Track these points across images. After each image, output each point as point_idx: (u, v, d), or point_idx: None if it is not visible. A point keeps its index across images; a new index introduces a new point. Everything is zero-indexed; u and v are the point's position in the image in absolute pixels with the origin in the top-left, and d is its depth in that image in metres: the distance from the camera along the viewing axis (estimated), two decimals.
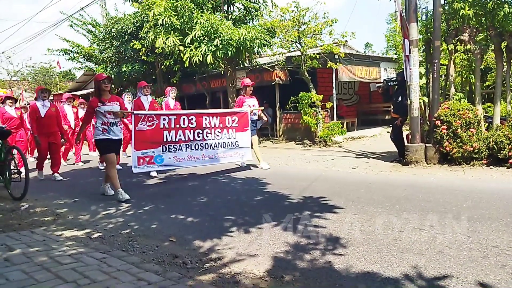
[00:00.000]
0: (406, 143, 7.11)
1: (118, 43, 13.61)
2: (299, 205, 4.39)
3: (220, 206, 4.58)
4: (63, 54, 14.90)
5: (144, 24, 11.51)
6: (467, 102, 7.44)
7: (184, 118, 6.26)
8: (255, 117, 7.42)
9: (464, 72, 9.10)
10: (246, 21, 11.70)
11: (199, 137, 6.43)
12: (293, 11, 11.22)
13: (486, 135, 6.35)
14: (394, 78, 8.53)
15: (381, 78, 13.49)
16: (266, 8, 11.90)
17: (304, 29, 11.32)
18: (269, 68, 12.32)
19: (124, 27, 13.31)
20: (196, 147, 6.41)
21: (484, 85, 12.00)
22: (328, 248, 2.96)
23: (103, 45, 14.20)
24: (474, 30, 7.44)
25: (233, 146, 6.82)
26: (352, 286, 2.36)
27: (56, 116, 7.20)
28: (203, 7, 11.06)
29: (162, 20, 9.85)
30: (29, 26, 65.24)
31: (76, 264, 2.72)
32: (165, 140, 6.05)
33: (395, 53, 17.51)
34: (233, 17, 11.60)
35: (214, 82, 14.27)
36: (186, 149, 6.29)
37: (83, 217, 4.30)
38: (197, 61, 9.98)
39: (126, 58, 13.97)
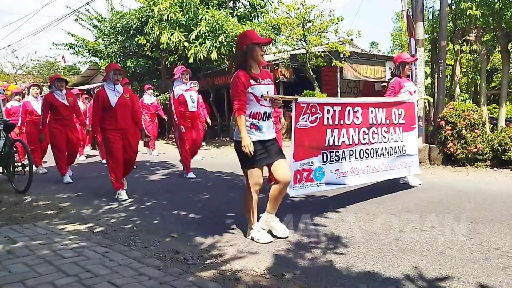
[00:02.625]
0: None
1: (123, 38, 13.62)
2: (300, 204, 4.39)
3: (222, 203, 4.58)
4: (68, 49, 14.91)
5: (149, 20, 11.50)
6: (472, 103, 7.42)
7: (349, 110, 4.17)
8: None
9: (470, 72, 9.05)
10: (251, 18, 11.66)
11: (364, 139, 4.35)
12: (298, 8, 11.19)
13: (490, 137, 6.31)
14: None
15: (386, 78, 13.43)
16: (271, 5, 11.86)
17: (310, 27, 11.29)
18: (273, 66, 12.29)
19: (129, 22, 13.31)
20: (361, 155, 4.33)
21: (490, 86, 11.94)
22: (329, 247, 2.96)
23: (108, 40, 14.21)
24: (481, 30, 7.40)
25: (401, 153, 4.74)
26: (353, 286, 2.36)
27: (74, 105, 6.42)
28: (209, 3, 11.03)
29: (168, 15, 9.84)
30: (35, 20, 65.58)
31: (78, 258, 2.74)
32: (326, 143, 3.96)
33: (401, 52, 17.42)
34: (239, 14, 11.57)
35: (219, 79, 14.27)
36: (349, 158, 4.19)
37: (86, 211, 4.32)
38: (202, 58, 9.97)
39: (131, 53, 13.98)
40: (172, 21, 10.01)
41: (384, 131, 4.57)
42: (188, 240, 3.26)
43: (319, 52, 11.12)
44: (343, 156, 4.14)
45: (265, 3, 11.78)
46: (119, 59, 14.25)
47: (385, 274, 2.48)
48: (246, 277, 2.48)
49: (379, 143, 4.51)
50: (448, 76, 9.21)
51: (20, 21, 71.44)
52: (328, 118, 3.96)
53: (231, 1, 11.92)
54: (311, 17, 11.31)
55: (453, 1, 7.60)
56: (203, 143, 11.73)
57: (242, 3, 12.21)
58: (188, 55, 10.12)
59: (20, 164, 5.68)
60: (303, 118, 3.74)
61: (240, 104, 3.05)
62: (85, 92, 13.69)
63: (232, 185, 5.62)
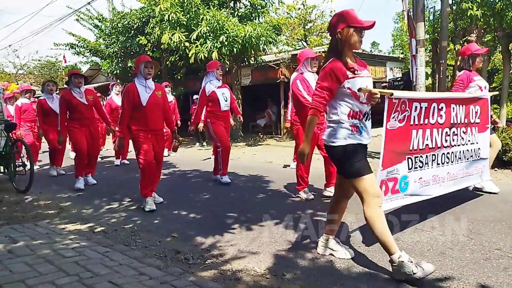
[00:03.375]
0: None
1: (124, 38, 13.63)
2: (301, 204, 4.39)
3: (223, 203, 4.59)
4: (69, 48, 14.94)
5: (150, 20, 11.52)
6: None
7: (434, 107, 3.58)
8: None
9: None
10: (252, 18, 11.67)
11: (446, 141, 3.78)
12: (299, 8, 11.22)
13: None
14: (400, 78, 8.51)
15: (386, 78, 13.44)
16: (272, 5, 11.88)
17: (310, 27, 11.32)
18: (274, 66, 12.30)
19: (130, 22, 13.33)
20: (443, 160, 3.75)
21: (491, 86, 11.91)
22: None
23: (109, 40, 14.23)
24: (482, 30, 7.40)
25: (476, 156, 4.16)
26: (354, 286, 2.36)
27: (94, 104, 5.86)
28: (210, 3, 11.05)
29: (168, 15, 9.86)
30: (36, 20, 65.64)
31: (78, 258, 2.74)
32: (411, 147, 3.37)
33: (402, 53, 17.44)
34: (240, 14, 11.59)
35: None
36: (431, 164, 3.63)
37: (87, 211, 4.32)
38: (203, 58, 9.98)
39: (132, 53, 13.99)
40: (173, 21, 10.02)
41: (463, 131, 3.97)
42: (188, 240, 3.26)
43: (320, 52, 11.11)
44: (426, 161, 3.55)
45: (266, 3, 11.80)
46: (120, 59, 14.27)
47: (386, 274, 2.48)
48: (246, 277, 2.49)
49: (458, 145, 3.91)
50: (449, 77, 9.21)
51: (21, 21, 71.63)
52: (414, 116, 3.35)
53: (232, 1, 11.93)
54: (312, 17, 11.36)
55: (454, 2, 7.60)
56: (204, 143, 11.74)
57: (243, 3, 12.23)
58: (189, 55, 10.13)
59: (21, 163, 5.69)
60: (393, 117, 3.13)
61: (321, 103, 2.52)
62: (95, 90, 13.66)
63: (233, 185, 5.62)
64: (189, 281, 2.38)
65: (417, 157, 3.42)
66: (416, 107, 3.37)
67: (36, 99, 7.56)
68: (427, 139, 3.53)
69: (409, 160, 3.34)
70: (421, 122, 3.45)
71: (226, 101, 5.58)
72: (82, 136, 5.59)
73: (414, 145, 3.39)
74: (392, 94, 2.98)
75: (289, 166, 7.00)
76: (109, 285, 2.31)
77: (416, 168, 3.42)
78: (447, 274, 2.46)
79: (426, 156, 3.53)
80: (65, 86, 6.12)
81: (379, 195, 2.53)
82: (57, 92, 7.13)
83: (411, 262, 2.32)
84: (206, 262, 2.73)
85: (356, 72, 2.52)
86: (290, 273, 2.53)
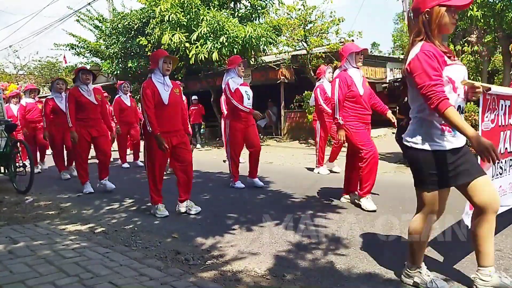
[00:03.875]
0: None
1: (125, 39, 13.63)
2: (301, 205, 4.39)
3: (223, 203, 4.59)
4: (69, 49, 14.94)
5: (151, 20, 11.53)
6: (473, 104, 7.40)
7: None
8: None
9: (471, 73, 9.04)
10: (252, 18, 11.68)
11: None
12: (299, 9, 11.21)
13: None
14: (400, 79, 8.50)
15: (387, 79, 13.44)
16: (272, 6, 11.87)
17: (311, 27, 11.31)
18: (274, 67, 12.31)
19: (130, 23, 13.33)
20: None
21: None
22: (330, 248, 2.96)
23: (109, 41, 14.23)
24: (482, 31, 7.41)
25: None
26: (354, 287, 2.35)
27: (102, 105, 5.54)
28: (210, 4, 11.06)
29: (169, 16, 9.86)
30: (36, 20, 65.75)
31: (79, 258, 2.74)
32: (498, 151, 2.88)
33: (402, 54, 17.43)
34: (240, 15, 11.59)
35: (219, 80, 14.21)
36: (509, 170, 3.15)
37: (87, 212, 4.32)
38: (203, 58, 9.99)
39: (132, 54, 13.99)
40: (173, 21, 10.03)
41: None
42: (189, 240, 3.26)
43: (320, 53, 11.13)
44: (505, 167, 3.08)
45: (266, 4, 11.81)
46: (120, 59, 14.28)
47: (386, 275, 2.48)
48: (246, 277, 2.48)
49: None
50: None
51: (22, 21, 71.53)
52: (501, 116, 2.89)
53: (232, 2, 11.94)
54: (312, 18, 11.34)
55: None
56: (197, 146, 11.66)
57: (243, 4, 12.24)
58: (189, 56, 10.13)
59: (21, 164, 5.69)
60: (486, 117, 2.68)
61: (443, 90, 2.01)
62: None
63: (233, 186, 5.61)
64: (190, 282, 2.37)
65: (498, 163, 2.89)
66: (502, 105, 2.92)
67: (39, 99, 7.51)
68: (507, 142, 3.08)
69: (493, 166, 2.80)
70: (506, 122, 3.02)
71: (249, 99, 5.24)
72: (84, 138, 5.24)
73: (501, 149, 2.93)
74: (489, 88, 2.49)
75: (313, 170, 6.67)
76: (109, 285, 2.31)
77: (497, 175, 2.91)
78: (448, 274, 2.45)
79: (505, 161, 3.07)
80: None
81: (434, 212, 2.34)
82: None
83: (428, 276, 2.25)
84: (207, 263, 2.73)
85: (452, 59, 2.14)
86: (290, 274, 2.53)
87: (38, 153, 7.70)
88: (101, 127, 5.45)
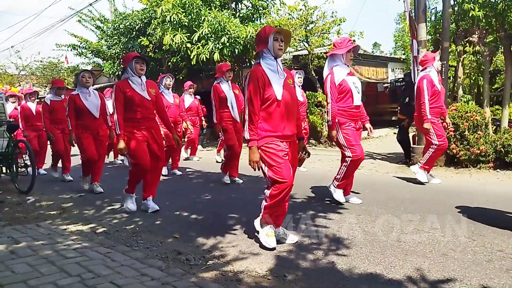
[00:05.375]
0: (412, 145, 7.07)
1: (126, 39, 13.66)
2: (303, 205, 4.38)
3: (224, 204, 4.59)
4: (71, 49, 14.98)
5: (152, 21, 11.54)
6: (475, 104, 7.39)
7: None
8: None
9: (472, 74, 9.03)
10: (253, 19, 11.69)
11: None
12: (301, 9, 11.22)
13: (493, 138, 6.29)
14: (402, 79, 8.49)
15: (388, 79, 13.43)
16: (274, 6, 11.89)
17: (312, 28, 11.31)
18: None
19: (132, 23, 13.36)
20: None
21: (493, 87, 11.89)
22: (331, 249, 2.96)
23: (111, 41, 14.27)
24: (484, 31, 7.39)
25: None
26: (355, 287, 2.35)
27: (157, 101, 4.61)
28: (211, 4, 11.07)
29: (170, 17, 9.88)
30: (38, 21, 65.83)
31: (80, 258, 2.75)
32: None
33: (403, 54, 17.42)
34: (241, 15, 11.60)
35: None
36: None
37: (88, 212, 4.33)
38: (204, 59, 10.00)
39: None
40: (174, 22, 10.05)
41: None
42: (190, 241, 3.26)
43: (321, 53, 11.12)
44: None
45: (268, 4, 11.82)
46: (121, 60, 14.30)
47: (388, 275, 2.48)
48: (248, 278, 2.48)
49: None
50: (451, 77, 9.19)
51: (24, 22, 71.92)
52: None
53: (234, 2, 11.95)
54: (313, 18, 11.34)
55: (455, 2, 7.58)
56: (199, 146, 11.66)
57: (244, 4, 12.25)
58: (191, 57, 10.15)
59: (23, 164, 5.70)
60: None
61: None
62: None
63: (234, 186, 5.62)
64: (191, 282, 2.38)
65: None
66: None
67: (37, 103, 7.16)
68: None
69: None
70: None
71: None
72: (139, 143, 4.12)
73: None
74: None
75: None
76: (110, 285, 2.31)
77: None
78: (449, 275, 2.45)
79: None
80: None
81: None
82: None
83: None
84: (208, 263, 2.73)
85: None
86: (291, 274, 2.53)
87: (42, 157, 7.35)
88: (157, 129, 4.29)
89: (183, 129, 7.63)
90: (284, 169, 2.89)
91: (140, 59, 4.16)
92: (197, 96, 8.83)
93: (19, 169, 5.74)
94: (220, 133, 5.84)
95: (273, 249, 2.92)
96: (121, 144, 3.98)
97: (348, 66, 4.25)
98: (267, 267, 2.67)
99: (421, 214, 3.82)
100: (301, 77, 6.65)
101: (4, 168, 5.95)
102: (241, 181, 5.81)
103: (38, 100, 7.45)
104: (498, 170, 6.05)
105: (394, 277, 2.45)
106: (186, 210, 4.26)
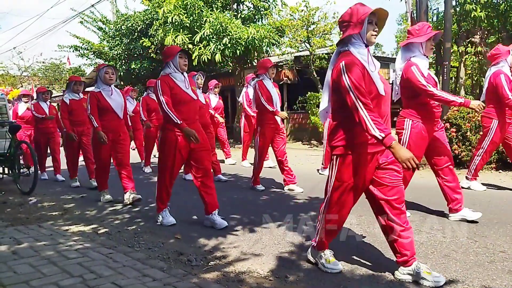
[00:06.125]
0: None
1: (128, 40, 13.70)
2: (304, 206, 4.38)
3: (226, 204, 4.58)
4: (73, 51, 15.04)
5: (154, 22, 11.57)
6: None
7: None
8: None
9: (474, 74, 9.01)
10: (255, 20, 11.71)
11: None
12: (302, 10, 11.22)
13: None
14: None
15: (390, 80, 13.39)
16: (275, 7, 11.90)
17: (313, 28, 11.31)
18: (277, 68, 12.32)
19: (134, 25, 13.40)
20: None
21: None
22: (332, 249, 2.95)
23: (113, 42, 14.31)
24: (486, 32, 7.38)
25: None
26: None
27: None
28: (213, 5, 11.09)
29: (172, 18, 9.90)
30: (40, 22, 65.99)
31: (82, 259, 2.75)
32: None
33: None
34: (243, 16, 11.62)
35: (222, 81, 14.26)
36: None
37: (90, 213, 4.34)
38: (206, 60, 10.01)
39: (136, 55, 14.06)
40: (176, 23, 10.07)
41: None
42: (191, 241, 3.26)
43: (323, 54, 11.12)
44: None
45: (269, 5, 11.84)
46: (123, 61, 14.34)
47: (390, 277, 2.47)
48: (249, 279, 2.48)
49: None
50: (453, 78, 9.18)
51: (26, 23, 72.01)
52: None
53: (235, 3, 11.97)
54: (315, 19, 11.35)
55: (457, 3, 7.58)
56: None
57: (246, 5, 12.27)
58: (192, 57, 10.16)
59: (25, 165, 5.72)
60: None
61: None
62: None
63: (235, 187, 5.62)
64: (192, 282, 2.38)
65: None
66: None
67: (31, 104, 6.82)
68: None
69: None
70: None
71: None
72: (178, 151, 3.66)
73: None
74: None
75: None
76: (112, 286, 2.31)
77: None
78: (451, 276, 2.44)
79: None
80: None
81: None
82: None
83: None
84: (209, 264, 2.73)
85: None
86: (293, 275, 2.53)
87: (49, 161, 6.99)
88: (202, 134, 3.75)
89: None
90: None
91: (184, 53, 3.75)
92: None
93: (21, 169, 5.76)
94: (256, 136, 5.22)
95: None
96: (189, 131, 3.47)
97: (427, 57, 3.58)
98: (268, 268, 2.66)
99: (423, 215, 3.81)
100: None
101: (6, 169, 5.97)
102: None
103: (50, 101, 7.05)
104: (500, 171, 6.03)
105: (395, 278, 2.44)
106: (187, 211, 4.26)
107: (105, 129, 4.59)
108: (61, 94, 7.65)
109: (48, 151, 6.89)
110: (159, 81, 3.64)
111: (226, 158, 8.18)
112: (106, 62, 14.99)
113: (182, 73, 3.71)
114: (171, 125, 3.54)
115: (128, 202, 4.63)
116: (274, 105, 5.06)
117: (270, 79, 5.18)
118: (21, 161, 6.03)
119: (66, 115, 5.73)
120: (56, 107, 7.79)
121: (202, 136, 3.68)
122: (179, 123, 3.50)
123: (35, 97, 7.77)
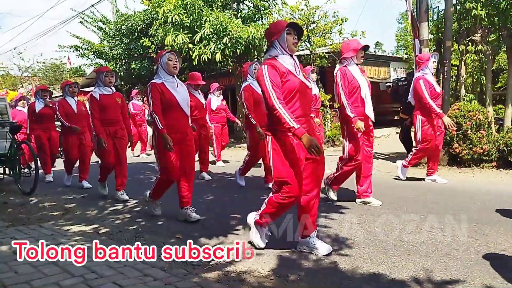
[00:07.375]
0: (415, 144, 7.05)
1: (128, 40, 13.69)
2: None
3: (227, 204, 4.59)
4: (73, 51, 15.04)
5: (154, 22, 11.56)
6: (477, 103, 7.36)
7: None
8: None
9: (475, 73, 9.00)
10: (255, 19, 11.69)
11: None
12: (302, 9, 11.19)
13: (496, 137, 6.27)
14: (404, 78, 8.48)
15: (390, 78, 13.41)
16: (275, 7, 11.88)
17: (314, 27, 11.28)
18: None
19: (134, 24, 13.39)
20: None
21: (496, 86, 11.84)
22: (333, 249, 2.95)
23: (113, 42, 14.30)
24: (486, 30, 7.36)
25: None
26: (358, 287, 2.35)
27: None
28: (213, 5, 11.08)
29: (172, 17, 9.89)
30: (41, 22, 66.06)
31: None
32: None
33: (406, 53, 17.40)
34: (243, 15, 11.60)
35: (222, 80, 14.30)
36: None
37: (91, 213, 4.34)
38: (206, 59, 10.00)
39: (136, 55, 14.05)
40: (176, 23, 10.06)
41: None
42: (192, 241, 3.26)
43: (323, 53, 11.10)
44: None
45: (269, 4, 11.81)
46: (124, 61, 14.34)
47: (390, 275, 2.47)
48: (250, 278, 2.48)
49: None
50: (453, 77, 9.16)
51: (26, 23, 72.13)
52: None
53: (235, 3, 11.95)
54: (315, 18, 11.30)
55: (458, 1, 7.56)
56: None
57: (246, 4, 12.25)
58: (193, 57, 10.16)
59: (26, 165, 5.73)
60: None
61: None
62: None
63: (236, 186, 5.62)
64: (193, 282, 2.38)
65: None
66: None
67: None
68: None
69: None
70: None
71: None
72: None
73: None
74: None
75: None
76: (113, 286, 2.32)
77: None
78: (452, 275, 2.44)
79: None
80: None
81: None
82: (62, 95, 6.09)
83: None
84: (210, 263, 2.73)
85: None
86: (294, 275, 2.53)
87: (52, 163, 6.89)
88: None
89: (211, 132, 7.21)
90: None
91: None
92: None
93: (22, 169, 5.77)
94: (345, 139, 4.23)
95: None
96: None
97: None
98: (269, 267, 2.67)
99: (424, 214, 3.81)
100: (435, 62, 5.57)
101: (7, 169, 5.98)
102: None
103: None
104: (501, 169, 6.02)
105: (397, 277, 2.45)
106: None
107: (170, 128, 3.66)
108: (61, 94, 7.60)
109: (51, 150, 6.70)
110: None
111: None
112: (106, 62, 15.02)
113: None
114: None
115: (191, 220, 3.83)
116: (364, 97, 4.05)
117: (357, 64, 4.06)
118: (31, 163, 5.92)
119: (96, 114, 4.77)
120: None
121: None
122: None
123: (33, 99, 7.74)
